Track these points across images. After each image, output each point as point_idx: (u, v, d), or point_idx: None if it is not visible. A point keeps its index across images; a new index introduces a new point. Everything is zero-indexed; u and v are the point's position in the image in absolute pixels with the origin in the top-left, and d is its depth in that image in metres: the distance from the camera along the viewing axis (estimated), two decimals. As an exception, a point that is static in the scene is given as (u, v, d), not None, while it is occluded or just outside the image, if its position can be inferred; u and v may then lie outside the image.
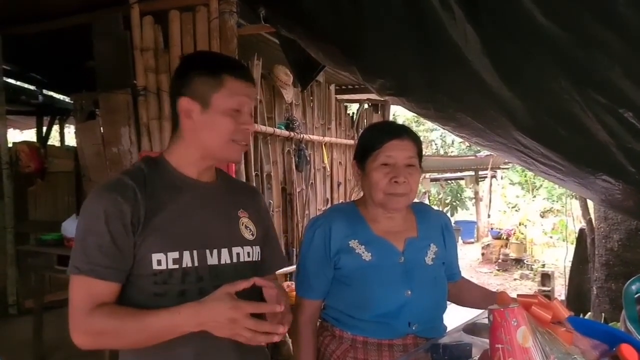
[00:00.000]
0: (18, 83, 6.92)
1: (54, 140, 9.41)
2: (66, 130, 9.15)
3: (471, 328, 1.47)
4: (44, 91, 7.47)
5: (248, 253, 1.41)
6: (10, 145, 5.41)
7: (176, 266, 1.27)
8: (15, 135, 10.71)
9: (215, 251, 1.34)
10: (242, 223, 1.44)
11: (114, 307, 1.24)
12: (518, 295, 1.26)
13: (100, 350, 3.33)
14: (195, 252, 1.30)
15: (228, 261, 1.36)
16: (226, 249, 1.36)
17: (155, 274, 1.26)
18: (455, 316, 1.78)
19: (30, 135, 10.11)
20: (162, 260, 1.26)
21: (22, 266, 4.95)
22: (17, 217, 5.19)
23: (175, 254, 1.27)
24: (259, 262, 1.46)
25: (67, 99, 7.45)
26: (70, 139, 9.42)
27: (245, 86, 1.36)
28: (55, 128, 8.54)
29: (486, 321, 1.11)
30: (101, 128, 4.16)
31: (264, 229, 1.53)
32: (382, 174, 1.62)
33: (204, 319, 1.17)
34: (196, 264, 1.30)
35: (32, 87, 7.28)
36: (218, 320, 1.16)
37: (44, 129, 8.01)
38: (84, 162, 4.39)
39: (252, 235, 1.45)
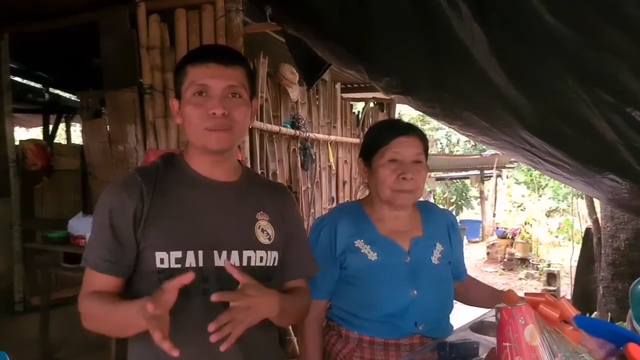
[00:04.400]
0: (24, 81, 6.94)
1: (60, 138, 9.43)
2: (72, 128, 9.18)
3: (478, 326, 1.46)
4: (50, 89, 7.48)
5: (261, 258, 1.35)
6: (16, 143, 5.43)
7: (178, 265, 1.25)
8: (21, 134, 10.74)
9: (224, 253, 1.30)
10: (259, 226, 1.37)
11: (103, 294, 1.26)
12: (526, 293, 1.26)
13: (107, 346, 3.37)
14: (200, 252, 1.27)
15: (237, 264, 1.30)
16: (236, 252, 1.31)
17: (159, 272, 1.26)
18: (462, 316, 1.77)
19: (36, 133, 10.14)
20: (164, 259, 1.25)
21: (29, 264, 4.97)
22: (23, 214, 5.21)
23: (178, 254, 1.26)
24: (273, 268, 1.39)
25: (73, 97, 7.47)
26: (77, 137, 9.45)
27: (205, 67, 1.29)
28: (62, 126, 8.57)
29: (493, 320, 1.11)
30: (107, 126, 4.19)
31: (286, 233, 1.45)
32: (390, 171, 1.61)
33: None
34: (201, 264, 1.27)
35: (38, 86, 7.30)
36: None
37: (50, 127, 8.03)
38: (90, 160, 4.41)
39: (269, 239, 1.38)
